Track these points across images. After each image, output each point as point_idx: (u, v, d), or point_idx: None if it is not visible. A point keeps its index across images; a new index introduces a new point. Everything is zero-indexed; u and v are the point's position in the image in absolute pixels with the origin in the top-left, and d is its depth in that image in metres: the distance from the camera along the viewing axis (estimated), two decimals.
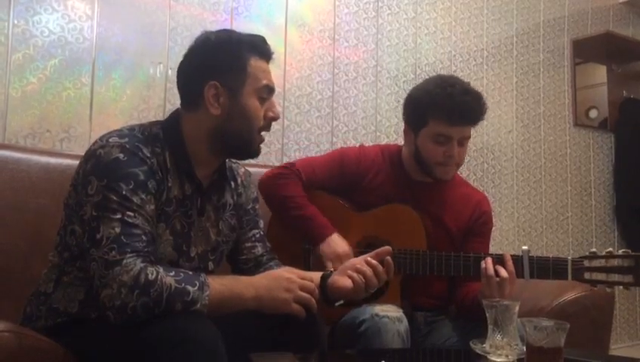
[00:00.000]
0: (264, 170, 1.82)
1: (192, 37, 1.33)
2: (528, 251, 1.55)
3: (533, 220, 3.24)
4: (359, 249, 1.67)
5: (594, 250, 1.51)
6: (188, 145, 1.29)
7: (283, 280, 1.24)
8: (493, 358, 1.17)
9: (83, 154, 1.24)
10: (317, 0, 2.55)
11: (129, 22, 2.09)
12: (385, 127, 2.71)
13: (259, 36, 1.33)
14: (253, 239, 1.49)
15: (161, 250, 1.23)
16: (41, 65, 1.93)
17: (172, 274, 1.11)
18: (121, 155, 1.17)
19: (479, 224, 1.78)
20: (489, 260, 1.53)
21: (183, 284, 1.10)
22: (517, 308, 1.18)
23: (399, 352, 1.47)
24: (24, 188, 1.61)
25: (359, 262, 1.37)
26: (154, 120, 1.38)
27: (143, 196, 1.17)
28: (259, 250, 1.49)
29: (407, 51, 2.81)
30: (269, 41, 1.33)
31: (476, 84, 2.84)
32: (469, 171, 2.96)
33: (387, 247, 1.39)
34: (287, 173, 1.75)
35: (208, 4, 2.27)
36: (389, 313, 1.51)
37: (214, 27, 1.46)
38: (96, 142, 1.22)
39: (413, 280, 1.68)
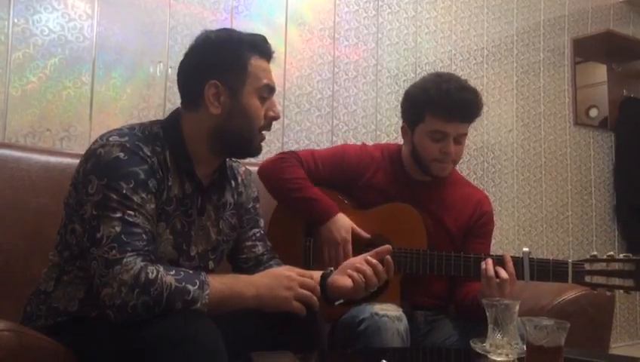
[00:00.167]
0: None
1: (192, 36, 1.33)
2: (529, 253, 1.54)
3: (534, 219, 3.23)
4: (359, 247, 1.67)
5: (595, 253, 1.50)
6: (188, 144, 1.29)
7: (283, 279, 1.24)
8: (493, 357, 1.17)
9: (83, 153, 1.24)
10: None
11: (129, 21, 2.09)
12: (385, 126, 2.71)
13: (259, 35, 1.33)
14: (254, 238, 1.49)
15: (161, 249, 1.23)
16: (41, 64, 1.93)
17: (172, 273, 1.11)
18: (122, 154, 1.17)
19: (480, 224, 1.77)
20: (489, 261, 1.53)
21: (184, 283, 1.10)
22: (517, 307, 1.18)
23: (399, 351, 1.47)
24: (24, 187, 1.61)
25: (359, 261, 1.37)
26: (154, 119, 1.38)
27: (144, 195, 1.17)
28: (259, 249, 1.49)
29: (408, 50, 2.81)
30: (269, 40, 1.33)
31: (476, 83, 2.85)
32: (469, 170, 2.96)
33: (387, 246, 1.39)
34: (288, 157, 1.75)
35: (208, 3, 2.27)
36: (389, 312, 1.51)
37: (214, 26, 1.46)
38: (96, 141, 1.22)
39: (413, 280, 1.67)
